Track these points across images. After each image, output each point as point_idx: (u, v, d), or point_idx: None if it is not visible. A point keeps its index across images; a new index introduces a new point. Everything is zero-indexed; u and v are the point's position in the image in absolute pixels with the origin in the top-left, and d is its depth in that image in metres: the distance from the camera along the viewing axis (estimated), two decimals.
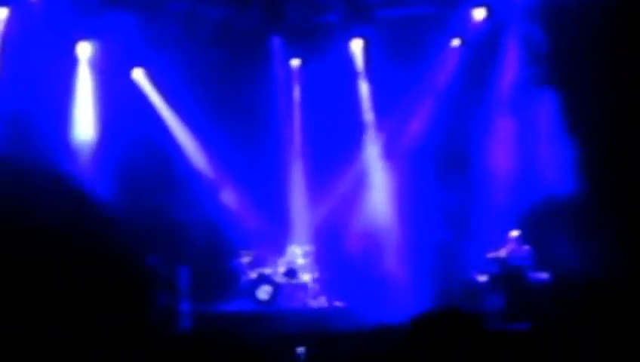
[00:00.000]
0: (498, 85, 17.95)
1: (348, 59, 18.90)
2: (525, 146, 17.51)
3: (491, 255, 16.53)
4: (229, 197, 18.56)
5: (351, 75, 18.96)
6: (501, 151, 17.61)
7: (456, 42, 18.41)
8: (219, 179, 18.62)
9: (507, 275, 16.24)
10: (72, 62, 17.43)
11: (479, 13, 18.00)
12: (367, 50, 18.81)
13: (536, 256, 16.28)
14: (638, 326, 11.32)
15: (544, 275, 15.98)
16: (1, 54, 16.16)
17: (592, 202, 16.25)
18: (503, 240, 16.62)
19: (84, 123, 17.50)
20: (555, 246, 16.13)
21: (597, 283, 14.49)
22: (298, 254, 17.73)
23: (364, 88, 19.02)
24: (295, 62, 19.24)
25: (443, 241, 17.63)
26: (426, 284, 16.89)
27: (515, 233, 16.59)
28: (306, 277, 17.52)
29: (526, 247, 16.39)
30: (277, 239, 18.20)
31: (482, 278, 16.40)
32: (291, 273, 17.46)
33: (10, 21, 16.23)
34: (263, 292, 17.19)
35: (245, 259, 17.67)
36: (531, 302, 15.60)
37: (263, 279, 17.33)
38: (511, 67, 17.87)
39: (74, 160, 16.35)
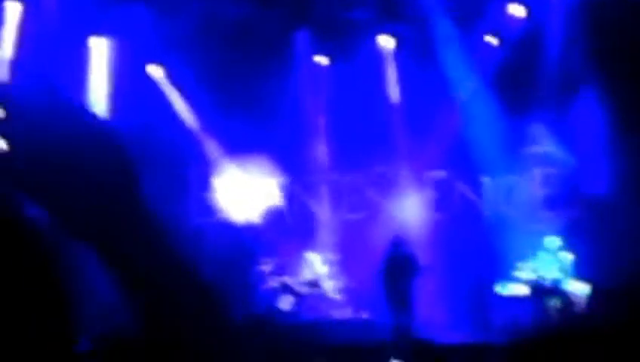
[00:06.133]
0: (535, 86, 17.10)
1: (377, 57, 18.08)
2: (564, 149, 16.80)
3: (524, 265, 15.68)
4: None
5: (379, 73, 18.13)
6: (534, 155, 16.96)
7: (492, 41, 17.56)
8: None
9: (543, 288, 15.42)
10: (87, 57, 16.94)
11: (516, 11, 17.15)
12: (397, 47, 18.01)
13: (576, 265, 15.44)
14: None
15: (584, 286, 15.06)
16: (17, 49, 15.73)
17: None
18: (536, 248, 15.80)
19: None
20: (596, 255, 15.29)
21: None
22: (318, 262, 16.91)
23: (393, 87, 18.15)
24: (322, 60, 18.44)
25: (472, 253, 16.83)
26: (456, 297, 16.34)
27: (552, 242, 15.74)
28: (329, 287, 16.70)
29: (569, 256, 15.49)
30: (300, 246, 17.40)
31: (516, 289, 15.55)
32: (314, 283, 16.68)
33: (25, 16, 15.76)
34: (285, 302, 16.44)
35: (266, 267, 16.95)
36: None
37: (285, 288, 16.62)
38: (550, 66, 17.00)
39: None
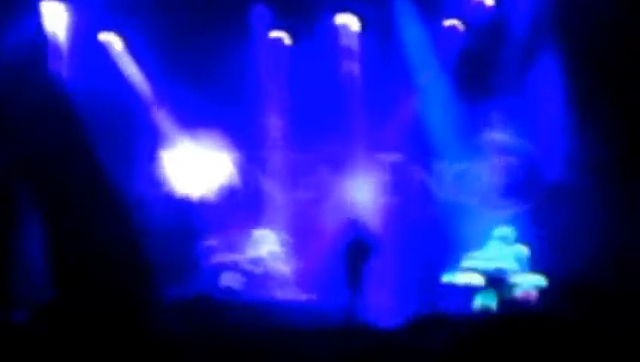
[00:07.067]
0: (496, 72, 16.91)
1: (337, 35, 17.77)
2: (523, 137, 16.70)
3: (477, 254, 15.47)
4: None
5: (339, 51, 17.82)
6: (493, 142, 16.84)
7: (455, 25, 17.36)
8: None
9: (495, 278, 15.22)
10: (41, 22, 16.56)
11: None
12: (359, 27, 17.71)
13: (532, 256, 15.34)
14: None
15: (538, 277, 14.89)
16: None
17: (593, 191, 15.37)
18: (491, 237, 15.66)
19: None
20: (553, 245, 15.29)
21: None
22: (271, 240, 16.62)
23: (352, 67, 17.85)
24: (280, 35, 18.10)
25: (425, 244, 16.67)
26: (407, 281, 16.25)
27: (507, 231, 15.53)
28: (277, 266, 16.50)
29: (525, 246, 15.33)
30: (250, 223, 17.13)
31: (467, 278, 15.32)
32: (262, 261, 16.40)
33: None
34: (230, 280, 16.14)
35: (212, 243, 16.72)
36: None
37: (231, 265, 16.37)
38: (512, 53, 16.82)
39: None
